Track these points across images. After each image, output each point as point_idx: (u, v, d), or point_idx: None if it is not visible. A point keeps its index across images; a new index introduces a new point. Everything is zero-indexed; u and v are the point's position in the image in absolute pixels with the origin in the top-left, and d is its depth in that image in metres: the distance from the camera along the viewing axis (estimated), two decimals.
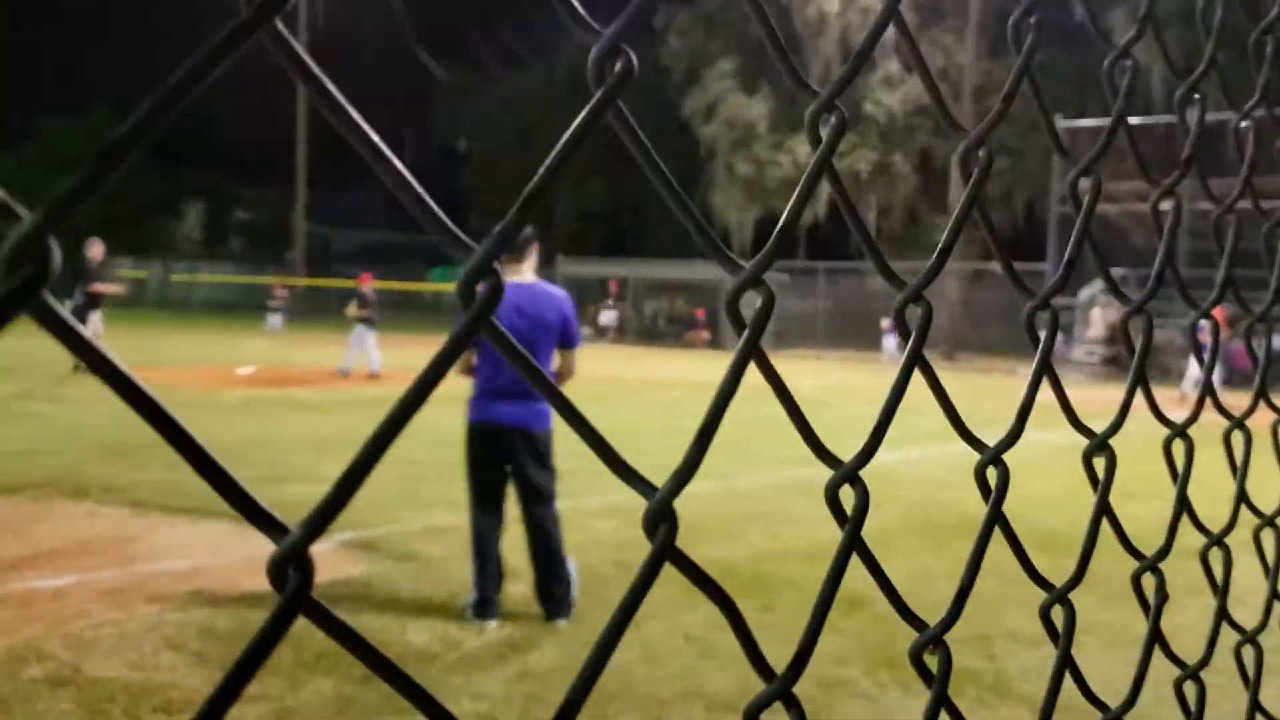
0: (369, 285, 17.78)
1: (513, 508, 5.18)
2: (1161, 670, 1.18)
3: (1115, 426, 0.93)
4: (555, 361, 5.15)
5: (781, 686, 0.71)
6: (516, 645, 4.71)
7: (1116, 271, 25.44)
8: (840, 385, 18.78)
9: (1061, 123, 25.14)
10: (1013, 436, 0.92)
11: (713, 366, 22.67)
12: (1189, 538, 1.02)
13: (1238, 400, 1.10)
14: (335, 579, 5.52)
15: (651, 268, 35.17)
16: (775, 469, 9.05)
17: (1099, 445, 0.96)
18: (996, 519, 0.92)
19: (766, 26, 0.72)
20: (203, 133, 54.31)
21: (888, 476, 9.19)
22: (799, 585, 5.62)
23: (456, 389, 5.43)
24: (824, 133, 0.78)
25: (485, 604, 4.99)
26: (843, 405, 15.14)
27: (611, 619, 0.60)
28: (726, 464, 8.79)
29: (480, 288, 0.53)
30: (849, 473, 0.81)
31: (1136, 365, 0.96)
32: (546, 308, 5.03)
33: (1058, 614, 0.99)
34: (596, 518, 7.17)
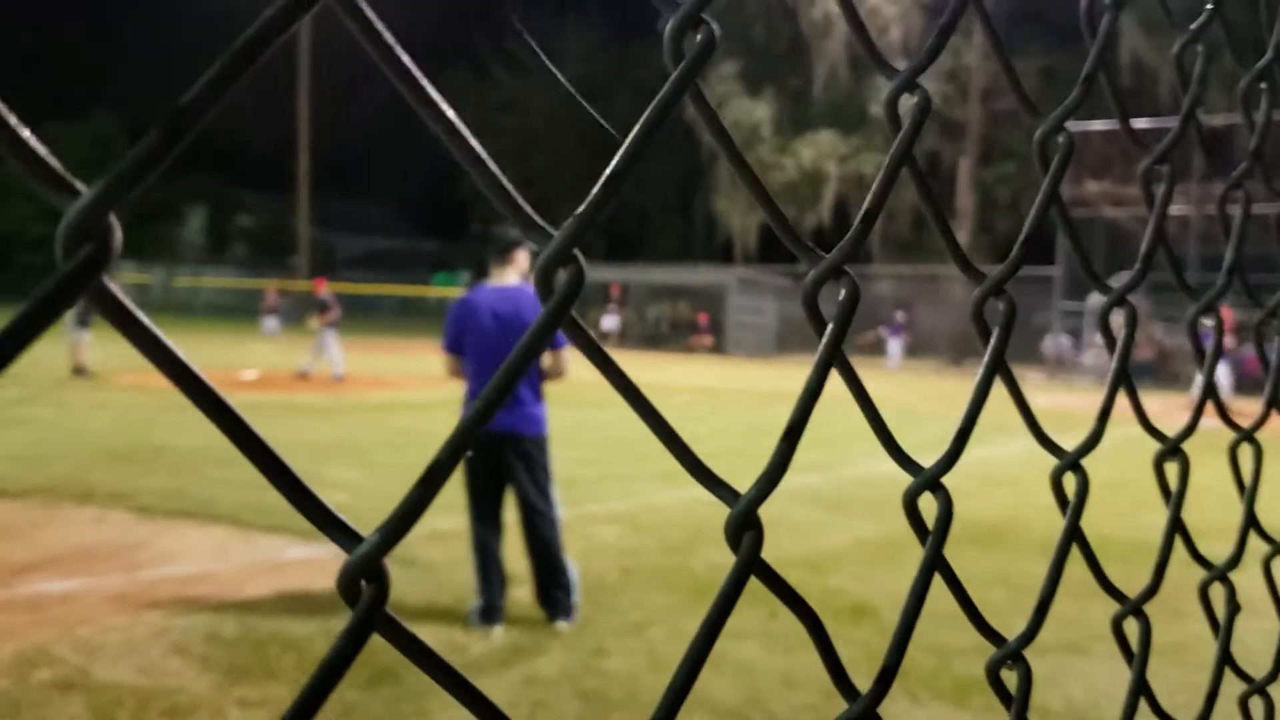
0: (326, 290, 17.81)
1: (511, 513, 5.18)
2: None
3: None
4: (546, 360, 5.13)
5: (867, 705, 0.66)
6: (522, 651, 4.72)
7: (1122, 276, 25.48)
8: (843, 391, 18.74)
9: (1071, 125, 25.09)
10: (1092, 440, 0.89)
11: (716, 372, 22.68)
12: (1216, 546, 1.01)
13: (1248, 408, 1.10)
14: (331, 586, 5.52)
15: (654, 273, 35.17)
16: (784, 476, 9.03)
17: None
18: (1076, 526, 0.90)
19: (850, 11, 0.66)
20: (206, 138, 54.41)
21: (893, 485, 9.19)
22: (803, 593, 5.61)
23: (452, 393, 5.45)
24: (904, 115, 0.71)
25: (491, 611, 5.00)
26: (849, 412, 15.14)
27: (697, 637, 0.56)
28: (729, 472, 8.75)
29: (561, 275, 0.49)
30: (930, 479, 0.76)
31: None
32: (526, 309, 5.02)
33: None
34: (601, 524, 7.18)
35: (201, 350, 22.50)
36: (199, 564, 5.85)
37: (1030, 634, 0.83)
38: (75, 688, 4.07)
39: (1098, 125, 24.50)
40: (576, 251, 0.49)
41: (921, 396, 18.56)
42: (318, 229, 48.37)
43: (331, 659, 0.42)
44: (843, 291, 0.67)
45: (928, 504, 0.76)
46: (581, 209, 0.50)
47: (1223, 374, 17.08)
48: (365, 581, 0.44)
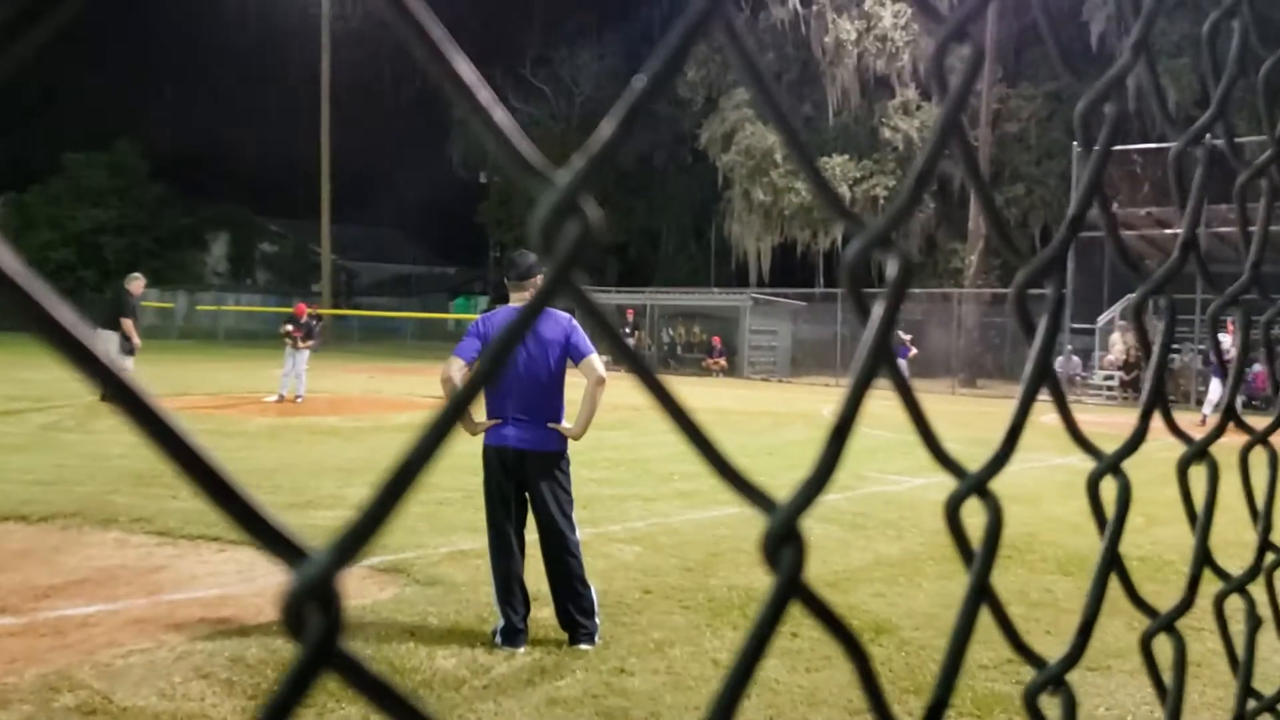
0: (306, 314, 17.87)
1: (532, 533, 5.20)
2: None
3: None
4: (590, 376, 5.12)
5: None
6: (545, 671, 4.73)
7: (1133, 298, 25.36)
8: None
9: (1081, 149, 25.05)
10: (1134, 442, 0.83)
11: (730, 393, 22.67)
12: (1228, 562, 1.00)
13: (1258, 424, 1.09)
14: (363, 604, 5.55)
15: (667, 296, 35.23)
16: None
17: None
18: (1119, 535, 0.83)
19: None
20: (228, 166, 54.93)
21: (913, 502, 9.17)
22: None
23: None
24: (952, 77, 0.64)
25: (513, 632, 5.01)
26: (863, 431, 15.10)
27: (735, 668, 0.50)
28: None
29: (566, 230, 0.41)
30: (976, 484, 0.70)
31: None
32: (547, 328, 5.05)
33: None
34: (620, 544, 7.19)
35: (224, 375, 22.64)
36: (222, 587, 5.88)
37: (1074, 656, 0.78)
38: (98, 713, 4.09)
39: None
40: (584, 201, 0.41)
41: (932, 417, 18.40)
42: (339, 255, 48.71)
43: (274, 704, 0.36)
44: (893, 265, 0.59)
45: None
46: (592, 147, 0.43)
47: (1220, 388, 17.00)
48: (314, 608, 0.36)
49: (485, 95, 0.39)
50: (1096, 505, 0.86)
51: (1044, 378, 0.73)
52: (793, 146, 0.56)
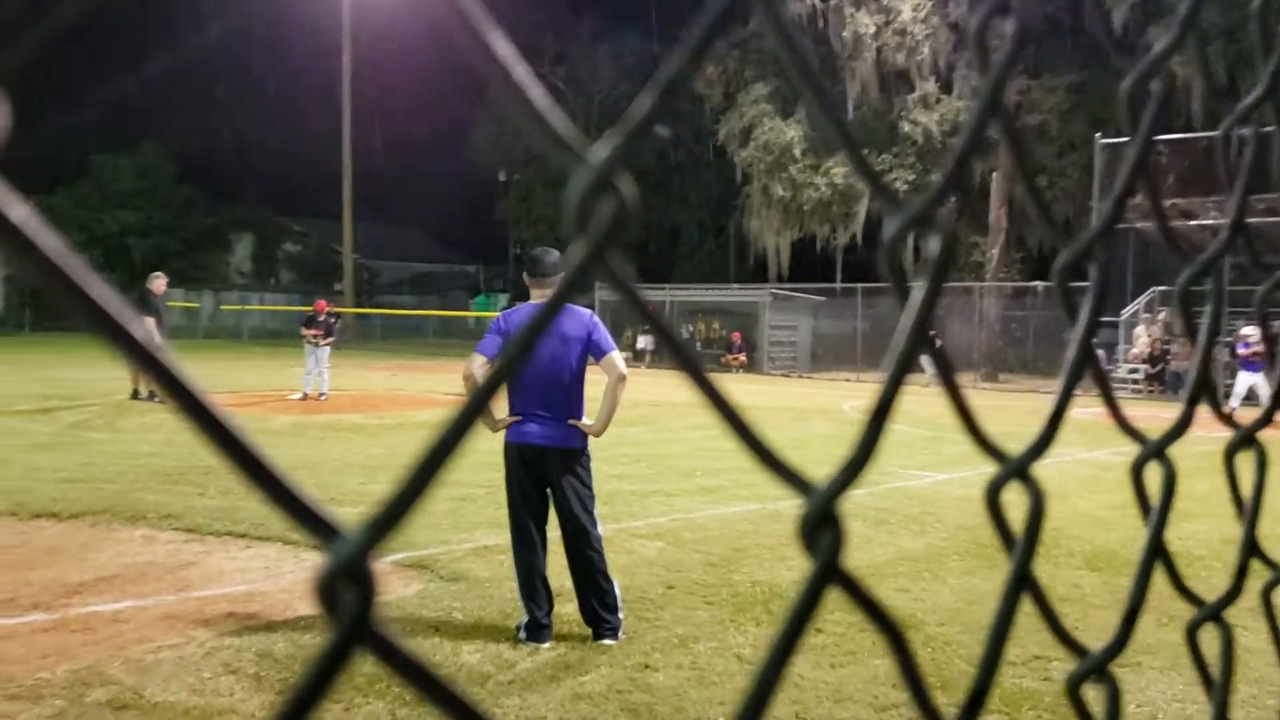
0: (325, 312, 17.92)
1: (554, 529, 5.22)
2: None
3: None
4: (611, 372, 5.14)
5: None
6: (569, 666, 4.76)
7: (1158, 290, 25.15)
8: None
9: (1105, 141, 24.90)
10: (1180, 428, 0.80)
11: (751, 389, 22.64)
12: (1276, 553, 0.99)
13: None
14: (387, 599, 5.59)
15: (687, 292, 35.21)
16: None
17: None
18: (1162, 525, 0.80)
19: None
20: (251, 167, 55.28)
21: (936, 497, 9.14)
22: (847, 606, 5.61)
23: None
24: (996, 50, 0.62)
25: (537, 627, 5.04)
26: (890, 425, 15.05)
27: (770, 653, 0.48)
28: (770, 486, 8.78)
29: (603, 207, 0.40)
30: (1017, 468, 0.66)
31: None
32: (568, 324, 5.06)
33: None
34: (643, 539, 7.21)
35: (249, 373, 22.80)
36: (250, 583, 5.94)
37: (1118, 645, 0.75)
38: (129, 708, 4.14)
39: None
40: (619, 178, 0.40)
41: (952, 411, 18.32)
42: (361, 254, 48.92)
43: (305, 685, 0.35)
44: (935, 243, 0.56)
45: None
46: (626, 122, 0.42)
47: (1260, 382, 16.78)
48: (348, 587, 0.36)
49: (520, 71, 0.39)
50: (1140, 491, 0.83)
51: (1087, 362, 0.71)
52: (831, 124, 0.54)
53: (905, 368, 0.54)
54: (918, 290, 0.55)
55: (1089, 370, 0.72)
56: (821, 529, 0.50)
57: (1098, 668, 0.75)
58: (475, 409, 0.38)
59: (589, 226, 0.40)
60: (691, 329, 34.90)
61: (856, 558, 6.82)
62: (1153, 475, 0.83)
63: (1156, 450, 0.81)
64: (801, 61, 0.50)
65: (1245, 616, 0.99)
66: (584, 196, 0.40)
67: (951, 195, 0.58)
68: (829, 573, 0.50)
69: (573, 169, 0.40)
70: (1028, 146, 0.67)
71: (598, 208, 0.40)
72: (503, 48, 0.38)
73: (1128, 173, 0.75)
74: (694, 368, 0.47)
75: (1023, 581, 0.66)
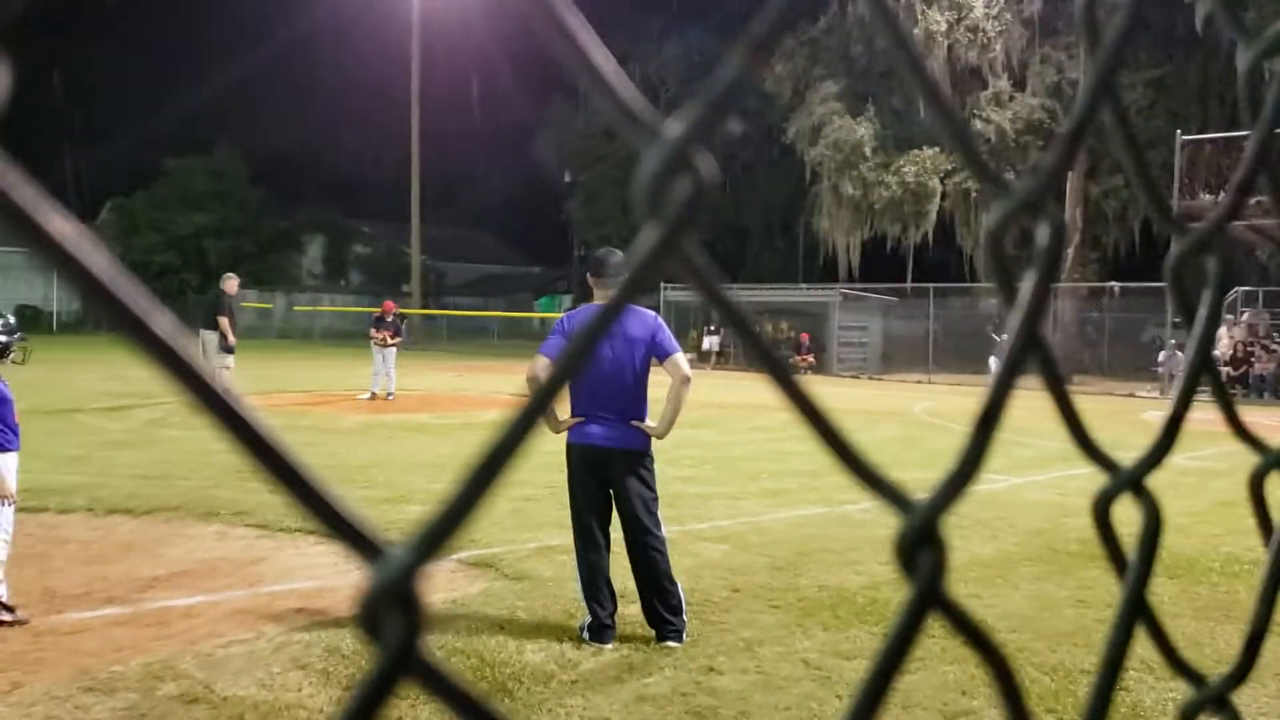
0: (393, 312, 18.05)
1: (617, 530, 5.20)
2: None
3: None
4: (675, 375, 5.12)
5: None
6: (633, 667, 4.73)
7: (1241, 290, 24.43)
8: (950, 408, 18.40)
9: (1185, 138, 24.25)
10: None
11: (819, 391, 22.44)
12: None
13: None
14: (452, 597, 5.62)
15: (755, 293, 35.04)
16: None
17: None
18: None
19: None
20: (323, 171, 56.19)
21: (1008, 502, 8.96)
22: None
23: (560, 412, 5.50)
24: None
25: (601, 628, 5.02)
26: (952, 429, 14.83)
27: (871, 675, 0.46)
28: (837, 489, 8.70)
29: (679, 188, 0.36)
30: (1130, 480, 0.62)
31: None
32: (631, 325, 5.03)
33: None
34: (707, 542, 7.16)
35: (319, 373, 23.18)
36: (319, 579, 6.01)
37: (1241, 674, 0.69)
38: (199, 701, 4.20)
39: (1208, 137, 23.60)
40: (698, 158, 0.36)
41: (1027, 413, 18.02)
42: (429, 256, 49.52)
43: (350, 715, 0.33)
44: (1044, 231, 0.52)
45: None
46: (708, 91, 0.38)
47: None
48: (393, 612, 0.34)
49: (590, 41, 0.36)
50: (1260, 504, 0.76)
51: (1207, 362, 0.66)
52: (936, 107, 0.51)
53: (1015, 370, 0.50)
54: (1025, 286, 0.51)
55: (1207, 374, 0.67)
56: (922, 548, 0.46)
57: (1217, 699, 0.69)
58: (530, 417, 0.36)
59: (662, 209, 0.36)
60: (762, 330, 34.74)
61: None
62: (1274, 487, 0.76)
63: (1278, 460, 0.74)
64: (904, 44, 0.47)
65: None
66: (658, 176, 0.36)
67: (1062, 176, 0.53)
68: (930, 597, 0.46)
69: (645, 148, 0.37)
70: (1133, 132, 0.61)
71: (673, 188, 0.36)
72: (579, 27, 0.36)
73: (1249, 160, 0.68)
74: (778, 367, 0.44)
75: (1139, 606, 0.61)
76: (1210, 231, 0.66)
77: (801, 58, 36.42)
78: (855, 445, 0.46)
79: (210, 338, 14.82)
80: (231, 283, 15.73)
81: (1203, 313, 0.66)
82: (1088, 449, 0.61)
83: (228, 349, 14.97)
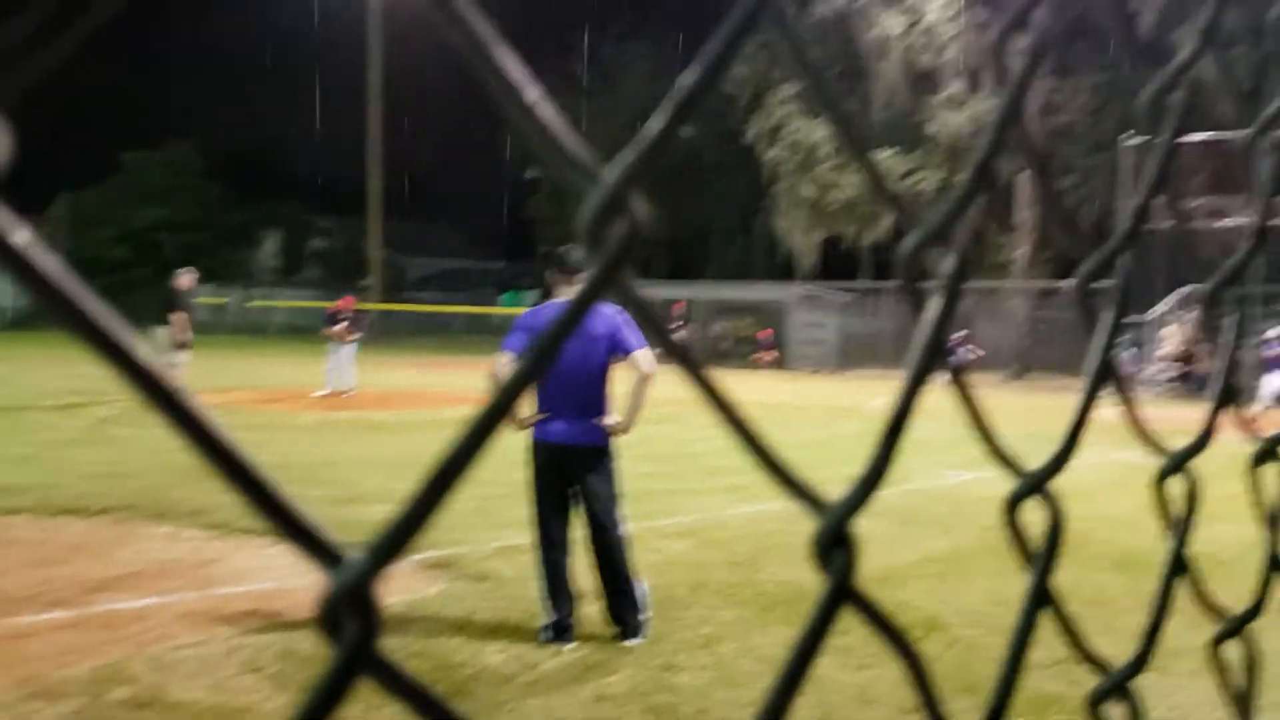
0: (351, 307, 17.93)
1: (579, 528, 5.18)
2: None
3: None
4: (640, 369, 5.10)
5: None
6: (593, 667, 4.71)
7: (1185, 289, 24.83)
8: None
9: (1130, 141, 24.65)
10: (1203, 440, 0.81)
11: (779, 387, 22.56)
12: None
13: None
14: (411, 598, 5.57)
15: (717, 290, 35.17)
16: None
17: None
18: (1184, 538, 0.80)
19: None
20: (280, 164, 55.64)
21: (963, 497, 9.04)
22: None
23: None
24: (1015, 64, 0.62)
25: (561, 628, 5.00)
26: (914, 424, 14.92)
27: (786, 668, 0.48)
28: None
29: (617, 227, 0.39)
30: (1035, 483, 0.66)
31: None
32: (594, 322, 4.96)
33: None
34: (669, 538, 7.16)
35: (275, 369, 22.94)
36: (273, 580, 5.92)
37: (1140, 663, 0.75)
38: (150, 706, 4.13)
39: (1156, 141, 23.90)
40: (632, 198, 0.40)
41: (984, 412, 18.19)
42: (389, 250, 49.15)
43: (305, 713, 0.34)
44: (950, 260, 0.57)
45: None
46: (642, 141, 0.41)
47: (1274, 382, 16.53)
48: (349, 615, 0.35)
49: (531, 93, 0.39)
50: (1163, 504, 0.82)
51: (1106, 375, 0.71)
52: (846, 141, 0.55)
53: (918, 384, 0.54)
54: (933, 306, 0.56)
55: (1111, 381, 0.72)
56: (835, 548, 0.50)
57: (1119, 686, 0.74)
58: (492, 419, 0.38)
59: (601, 247, 0.39)
60: (721, 327, 34.87)
61: (882, 558, 6.74)
62: (1177, 483, 0.80)
63: (1178, 464, 0.81)
64: (818, 82, 0.52)
65: (1267, 618, 0.95)
66: (596, 216, 0.39)
67: (969, 211, 0.58)
68: (841, 593, 0.50)
69: (585, 188, 0.40)
70: (1050, 167, 0.68)
71: (610, 228, 0.40)
72: (513, 68, 0.38)
73: (1150, 184, 0.74)
74: (706, 383, 0.47)
75: (1041, 600, 0.66)
76: (1113, 252, 0.72)
77: (761, 59, 36.57)
78: (773, 448, 0.49)
79: (164, 334, 14.62)
80: (186, 278, 15.51)
81: (1103, 324, 0.72)
82: (995, 453, 0.65)
83: (181, 345, 14.76)
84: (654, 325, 0.45)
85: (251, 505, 0.35)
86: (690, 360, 0.45)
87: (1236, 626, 0.90)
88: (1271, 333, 17.00)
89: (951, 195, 0.58)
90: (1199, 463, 0.81)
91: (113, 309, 0.33)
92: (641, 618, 5.08)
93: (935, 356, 0.55)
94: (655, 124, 0.42)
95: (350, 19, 44.82)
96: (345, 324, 17.39)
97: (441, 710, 0.38)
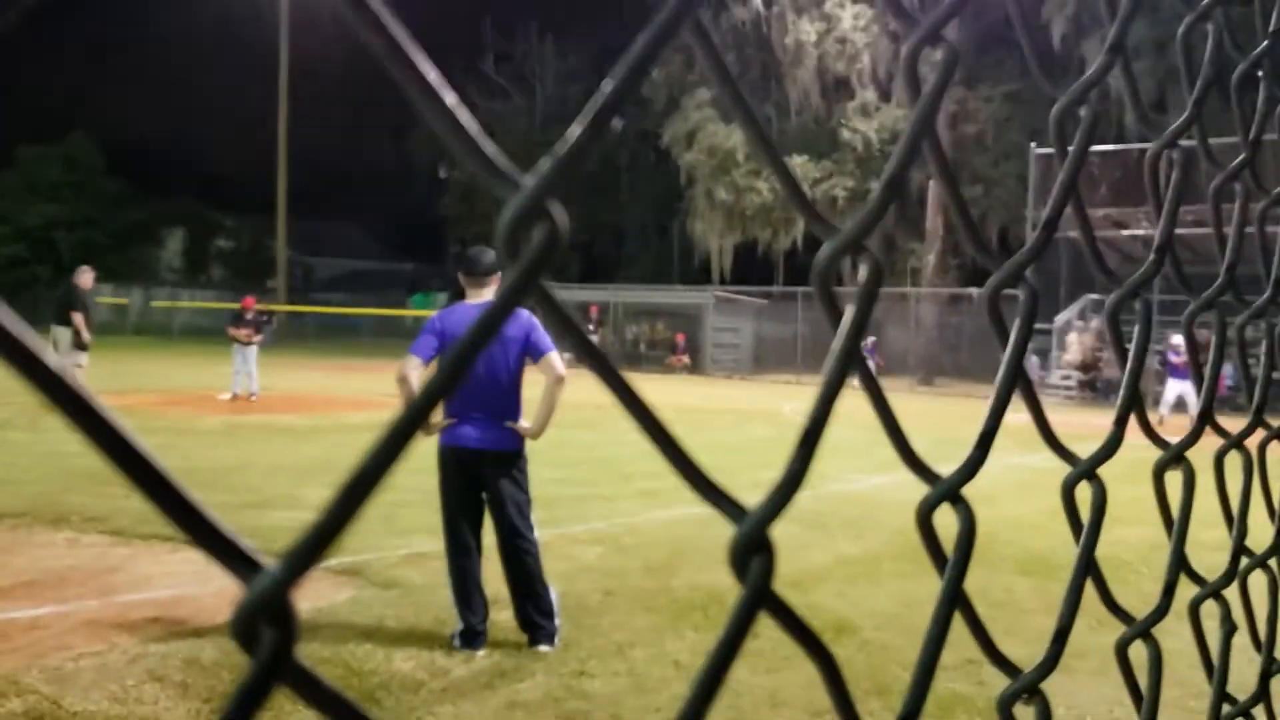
0: (254, 309, 17.63)
1: (490, 535, 5.14)
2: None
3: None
4: (550, 373, 5.09)
5: None
6: (504, 673, 4.68)
7: (1090, 298, 25.66)
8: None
9: (1038, 150, 25.37)
10: (1110, 447, 0.83)
11: (694, 391, 22.69)
12: (1208, 556, 1.00)
13: (1226, 425, 1.08)
14: (319, 606, 5.47)
15: (632, 293, 35.26)
16: (759, 494, 9.05)
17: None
18: (1094, 543, 0.82)
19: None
20: (184, 161, 54.19)
21: (875, 501, 9.21)
22: None
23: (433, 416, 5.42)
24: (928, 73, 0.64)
25: (472, 635, 4.95)
26: (829, 428, 15.14)
27: (703, 674, 0.49)
28: None
29: (536, 234, 0.40)
30: (949, 490, 0.68)
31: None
32: (507, 325, 4.97)
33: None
34: (582, 544, 7.15)
35: (178, 371, 22.34)
36: (177, 588, 5.77)
37: (1049, 665, 0.76)
38: (46, 717, 4.00)
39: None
40: (552, 205, 0.40)
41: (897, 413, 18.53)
42: (295, 251, 48.24)
43: None
44: (864, 270, 0.58)
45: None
46: (561, 150, 0.41)
47: (1189, 390, 17.14)
48: (266, 624, 0.35)
49: (450, 99, 0.38)
50: (1072, 510, 0.85)
51: (1016, 381, 0.72)
52: (763, 149, 0.56)
53: (835, 392, 0.55)
54: (848, 315, 0.57)
55: (1020, 389, 0.73)
56: (753, 554, 0.50)
57: (1029, 688, 0.75)
58: (407, 428, 0.37)
59: (520, 253, 0.40)
60: (636, 330, 34.96)
61: (794, 562, 6.83)
62: (1084, 490, 0.82)
63: (1087, 471, 0.83)
64: (734, 90, 0.52)
65: (1169, 619, 0.99)
66: (515, 224, 0.40)
67: (880, 219, 0.59)
68: (760, 598, 0.50)
69: (503, 194, 0.40)
70: (958, 176, 0.67)
71: (530, 235, 0.40)
72: (429, 72, 0.38)
73: (1057, 196, 0.77)
74: (623, 387, 0.47)
75: (954, 604, 0.67)
76: (1021, 266, 0.74)
77: (677, 63, 36.79)
78: (690, 452, 0.50)
79: (63, 334, 14.14)
80: (85, 276, 15.02)
81: (1014, 335, 0.72)
82: (910, 461, 0.65)
83: (81, 346, 14.29)
84: (571, 329, 0.45)
85: (165, 513, 0.34)
86: (606, 364, 0.45)
87: (1144, 629, 0.92)
88: (1174, 340, 17.61)
89: (865, 204, 0.59)
90: (1106, 464, 0.84)
91: (9, 308, 0.32)
92: (553, 625, 5.06)
93: (850, 364, 0.56)
94: (574, 131, 0.42)
95: (258, 11, 43.91)
96: (249, 326, 17.01)
97: (361, 718, 0.38)
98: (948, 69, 0.63)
